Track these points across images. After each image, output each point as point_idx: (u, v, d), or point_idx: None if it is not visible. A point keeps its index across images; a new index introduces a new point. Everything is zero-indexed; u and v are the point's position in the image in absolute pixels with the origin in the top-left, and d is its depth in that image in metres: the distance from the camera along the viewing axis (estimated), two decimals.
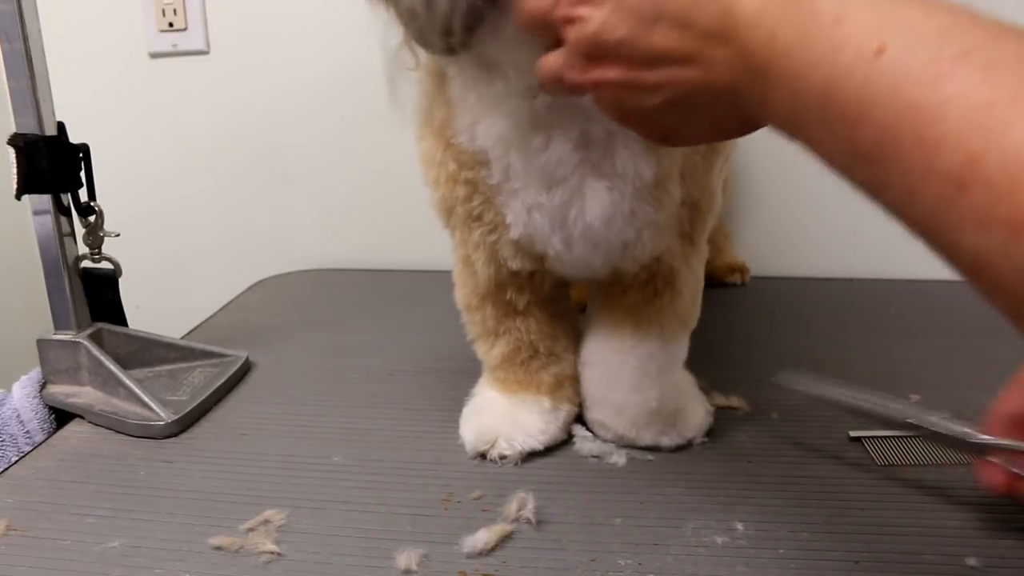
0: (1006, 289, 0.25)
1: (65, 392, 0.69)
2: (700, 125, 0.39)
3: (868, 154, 0.29)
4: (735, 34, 0.33)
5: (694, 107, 0.37)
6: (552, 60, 0.41)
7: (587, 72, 0.39)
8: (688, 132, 0.40)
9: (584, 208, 0.50)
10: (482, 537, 0.48)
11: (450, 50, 0.45)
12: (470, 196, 0.53)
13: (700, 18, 0.34)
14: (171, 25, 1.04)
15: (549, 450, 0.59)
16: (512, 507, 0.50)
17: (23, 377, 0.70)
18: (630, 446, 0.58)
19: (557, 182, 0.50)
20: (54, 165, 0.65)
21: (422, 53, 0.50)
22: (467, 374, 0.65)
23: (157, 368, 0.73)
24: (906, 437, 0.58)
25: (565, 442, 0.60)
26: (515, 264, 0.55)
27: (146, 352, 0.73)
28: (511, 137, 0.49)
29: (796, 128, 0.32)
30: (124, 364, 0.69)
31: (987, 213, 0.25)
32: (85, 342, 0.69)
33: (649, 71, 0.36)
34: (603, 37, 0.37)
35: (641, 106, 0.38)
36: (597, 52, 0.38)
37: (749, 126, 0.37)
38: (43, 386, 0.70)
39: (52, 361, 0.70)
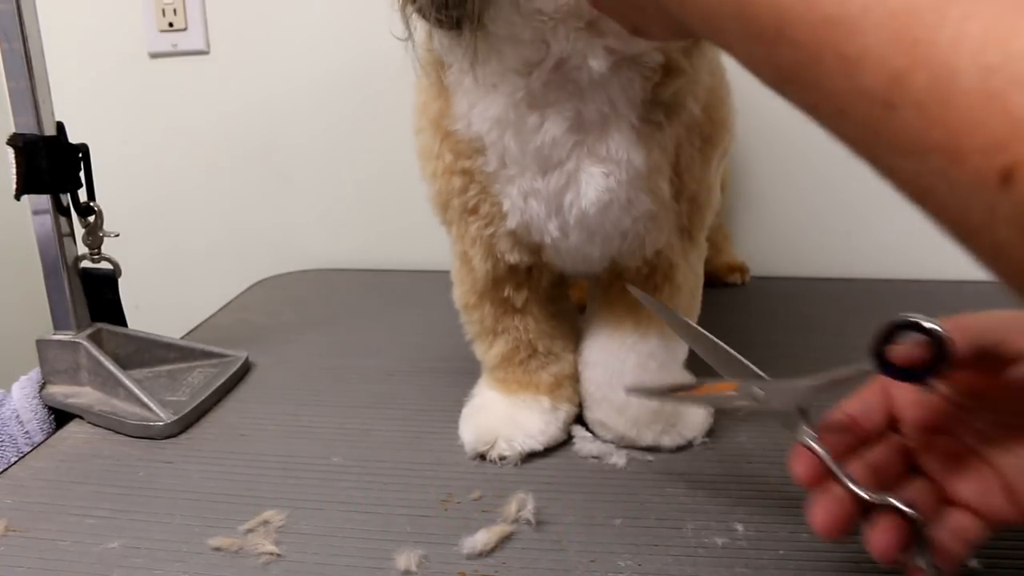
0: (951, 217, 0.23)
1: (64, 392, 0.69)
2: (653, 22, 0.37)
3: (791, 75, 0.26)
4: None
5: (636, 1, 0.35)
6: None
7: None
8: (646, 27, 0.38)
9: (579, 194, 0.50)
10: (482, 538, 0.47)
11: (457, 23, 0.44)
12: (466, 187, 0.53)
13: None
14: (171, 25, 1.04)
15: (549, 450, 0.59)
16: (512, 508, 0.50)
17: (22, 377, 0.70)
18: (630, 446, 0.58)
19: (552, 166, 0.50)
20: (53, 165, 0.65)
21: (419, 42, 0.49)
22: (467, 374, 0.65)
23: (157, 368, 0.73)
24: None
25: (565, 442, 0.60)
26: (512, 257, 0.55)
27: (146, 352, 0.73)
28: (507, 118, 0.49)
29: (721, 44, 0.29)
30: (124, 364, 0.69)
31: (920, 137, 0.22)
32: (84, 342, 0.68)
33: None
34: None
35: None
36: None
37: (684, 30, 0.33)
38: (42, 386, 0.69)
39: (51, 361, 0.70)
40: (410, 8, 0.45)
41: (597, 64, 0.46)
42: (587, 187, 0.50)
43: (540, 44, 0.46)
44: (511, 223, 0.53)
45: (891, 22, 0.22)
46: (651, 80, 0.48)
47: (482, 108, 0.50)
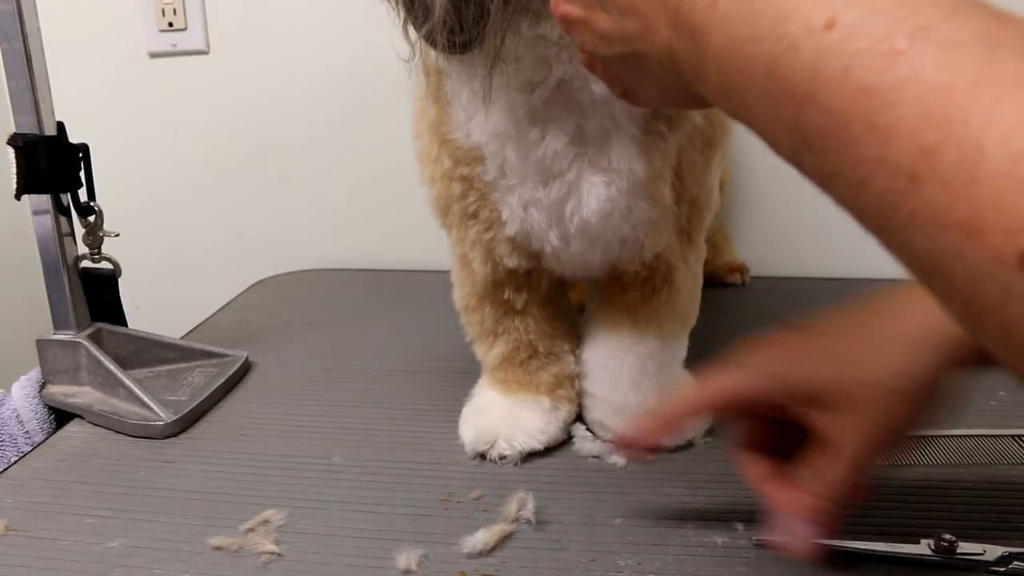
0: (961, 295, 0.23)
1: (64, 392, 0.69)
2: (650, 87, 0.37)
3: (815, 140, 0.26)
4: None
5: (641, 65, 0.35)
6: None
7: (558, 4, 0.38)
8: (641, 92, 0.38)
9: (580, 203, 0.50)
10: (482, 537, 0.48)
11: (463, 47, 0.44)
12: (465, 193, 0.53)
13: None
14: (171, 25, 1.04)
15: (549, 450, 0.59)
16: (512, 507, 0.50)
17: (22, 377, 0.70)
18: None
19: (553, 176, 0.50)
20: (53, 165, 0.65)
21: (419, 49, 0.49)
22: (467, 374, 0.65)
23: (157, 368, 0.73)
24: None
25: (565, 442, 0.60)
26: (511, 262, 0.55)
27: (146, 352, 0.73)
28: (507, 132, 0.49)
29: (737, 106, 0.30)
30: (124, 364, 0.69)
31: (942, 213, 0.22)
32: (85, 342, 0.68)
33: (603, 15, 0.35)
34: None
35: (600, 53, 0.37)
36: None
37: (696, 97, 0.33)
38: (42, 386, 0.69)
39: (52, 361, 0.70)
40: (412, 28, 0.45)
41: (599, 88, 0.46)
42: (588, 196, 0.50)
43: (543, 66, 0.46)
44: (510, 231, 0.53)
45: (925, 98, 0.23)
46: None
47: (481, 120, 0.50)
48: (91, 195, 0.69)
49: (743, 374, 0.44)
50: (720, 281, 0.94)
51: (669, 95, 0.37)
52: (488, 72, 0.45)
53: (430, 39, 0.44)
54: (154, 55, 1.07)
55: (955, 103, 0.22)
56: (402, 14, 0.44)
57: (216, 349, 0.75)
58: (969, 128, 0.22)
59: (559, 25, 0.39)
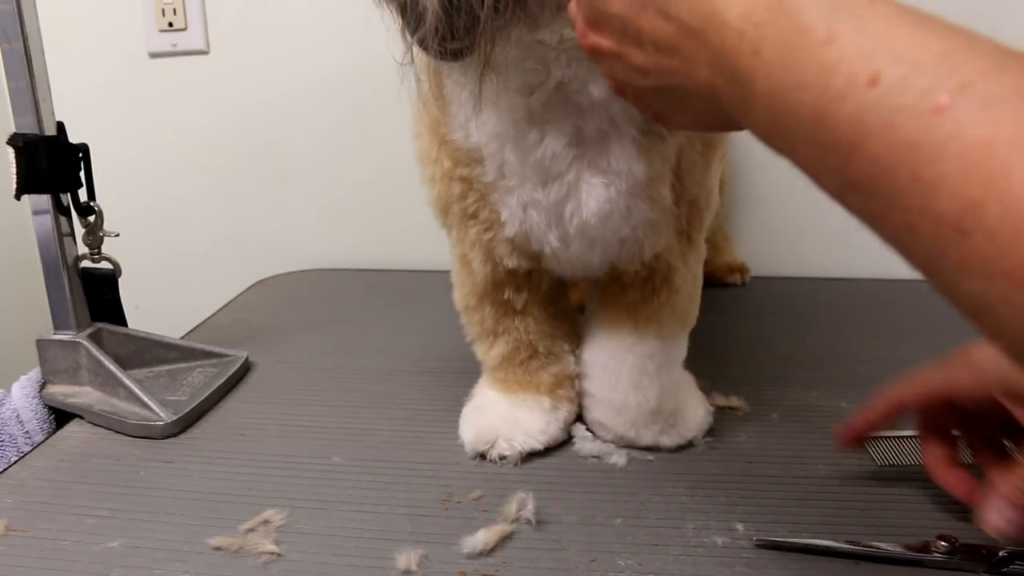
0: (1009, 335, 0.25)
1: (64, 392, 0.69)
2: (686, 115, 0.38)
3: (862, 186, 0.27)
4: (716, 38, 0.31)
5: (678, 97, 0.36)
6: (571, 7, 0.40)
7: (586, 35, 0.38)
8: (676, 119, 0.40)
9: (580, 204, 0.50)
10: (482, 537, 0.48)
11: (456, 54, 0.44)
12: (465, 193, 0.54)
13: (682, 11, 0.33)
14: (171, 25, 1.04)
15: (549, 450, 0.59)
16: (512, 507, 0.50)
17: (22, 377, 0.70)
18: (630, 446, 0.58)
19: (552, 178, 0.50)
20: (53, 165, 0.65)
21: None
22: (467, 374, 0.65)
23: (157, 368, 0.73)
24: (906, 437, 0.58)
25: (565, 442, 0.60)
26: (511, 262, 0.55)
27: (146, 352, 0.73)
28: (506, 133, 0.49)
29: (782, 145, 0.31)
30: (124, 364, 0.69)
31: (988, 263, 0.24)
32: (85, 342, 0.68)
33: (637, 51, 0.36)
34: (600, 5, 0.37)
35: (632, 83, 0.38)
36: (596, 18, 0.37)
37: (735, 125, 0.35)
38: (42, 386, 0.69)
39: (52, 361, 0.70)
40: (409, 36, 0.45)
41: (598, 91, 0.46)
42: (588, 197, 0.50)
43: (541, 69, 0.46)
44: (509, 231, 0.53)
45: (969, 154, 0.24)
46: None
47: (480, 121, 0.50)
48: (91, 195, 0.69)
49: (960, 370, 0.48)
50: (720, 281, 0.94)
51: (705, 122, 0.38)
52: (478, 79, 0.46)
53: (423, 45, 0.44)
54: (154, 55, 1.07)
55: (998, 159, 0.23)
56: (398, 19, 0.44)
57: (216, 349, 0.75)
58: (1012, 183, 0.23)
59: (588, 55, 0.40)
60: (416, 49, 0.45)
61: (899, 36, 0.27)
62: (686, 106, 0.37)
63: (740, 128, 0.35)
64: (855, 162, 0.27)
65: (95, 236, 0.70)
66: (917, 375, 0.50)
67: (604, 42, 0.38)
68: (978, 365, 0.47)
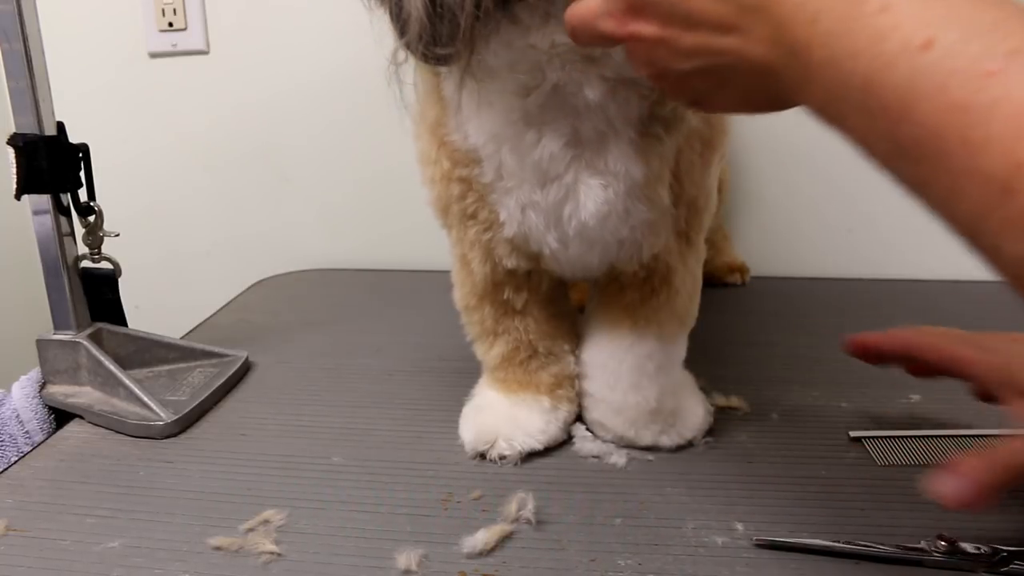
0: None
1: (65, 392, 0.69)
2: (731, 96, 0.38)
3: (910, 150, 0.28)
4: (777, 11, 0.32)
5: (727, 77, 0.36)
6: (586, 6, 0.39)
7: (625, 24, 0.38)
8: (718, 101, 0.39)
9: (578, 206, 0.50)
10: (482, 537, 0.48)
11: (441, 59, 0.44)
12: (464, 194, 0.54)
13: None
14: (171, 25, 1.04)
15: (549, 450, 0.59)
16: (512, 507, 0.50)
17: (23, 377, 0.70)
18: (630, 446, 0.58)
19: (551, 179, 0.50)
20: (53, 165, 0.65)
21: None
22: (467, 374, 0.65)
23: (157, 368, 0.73)
24: (906, 437, 0.58)
25: (565, 442, 0.60)
26: (510, 263, 0.55)
27: (146, 352, 0.73)
28: (503, 134, 0.49)
29: (834, 116, 0.32)
30: (124, 364, 0.69)
31: None
32: (85, 342, 0.68)
33: (686, 33, 0.36)
34: None
35: (674, 68, 0.37)
36: (638, 6, 0.37)
37: (780, 103, 0.36)
38: (43, 386, 0.69)
39: (52, 361, 0.70)
40: (398, 40, 0.45)
41: (593, 94, 0.46)
42: (586, 199, 0.50)
43: (536, 72, 0.46)
44: (508, 232, 0.53)
45: (1019, 117, 0.25)
46: (648, 98, 0.48)
47: (478, 123, 0.50)
48: (91, 195, 0.69)
49: (978, 348, 0.50)
50: (720, 281, 0.94)
51: (751, 102, 0.38)
52: (459, 85, 0.46)
53: (411, 49, 0.44)
54: (154, 55, 1.07)
55: None
56: (388, 23, 0.45)
57: (216, 349, 0.75)
58: None
59: (626, 46, 0.39)
60: (406, 52, 0.46)
61: (953, 4, 0.27)
62: (732, 87, 0.37)
63: (785, 107, 0.36)
64: (905, 126, 0.28)
65: (95, 236, 0.70)
66: (942, 330, 0.53)
67: (647, 28, 0.37)
68: (998, 348, 0.48)
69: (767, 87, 0.35)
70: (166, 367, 0.73)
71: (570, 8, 0.40)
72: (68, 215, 0.68)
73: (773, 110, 0.38)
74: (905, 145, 0.28)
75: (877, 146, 0.30)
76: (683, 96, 0.40)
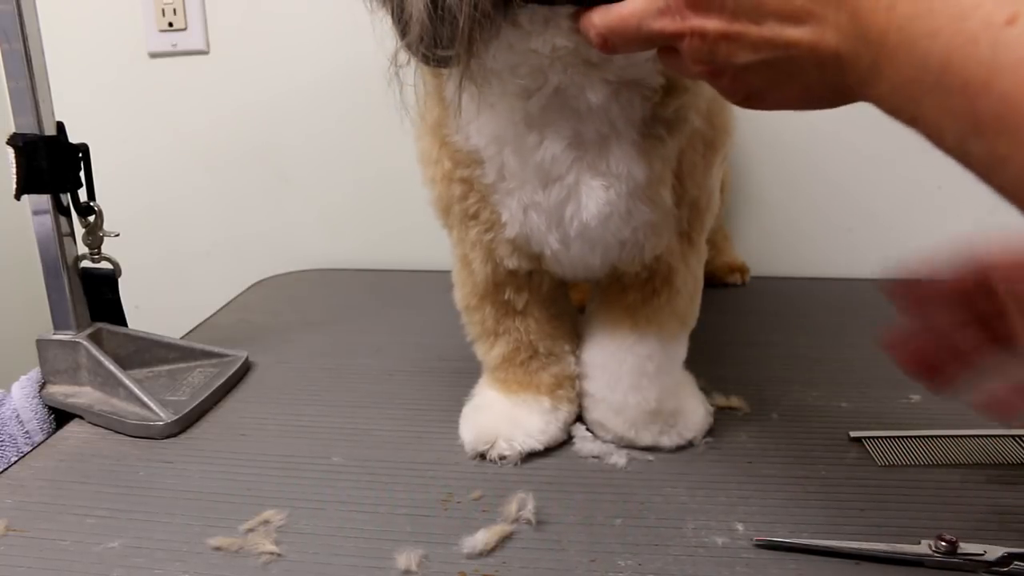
0: None
1: (64, 392, 0.69)
2: (789, 90, 0.37)
3: (988, 126, 0.28)
4: (854, 1, 0.32)
5: (790, 71, 0.36)
6: (628, 7, 0.38)
7: (686, 19, 0.36)
8: (774, 96, 0.38)
9: (580, 207, 0.50)
10: (482, 537, 0.48)
11: (442, 61, 0.44)
12: (466, 194, 0.54)
13: None
14: (171, 25, 1.04)
15: (549, 450, 0.59)
16: (512, 507, 0.50)
17: (22, 377, 0.70)
18: (630, 446, 0.58)
19: (553, 180, 0.50)
20: (53, 165, 0.65)
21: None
22: (467, 374, 0.65)
23: (157, 368, 0.73)
24: (906, 437, 0.58)
25: (565, 442, 0.60)
26: (511, 263, 0.55)
27: (146, 352, 0.73)
28: (505, 136, 0.49)
29: (905, 101, 0.31)
30: (124, 364, 0.69)
31: None
32: (85, 342, 0.68)
33: (754, 26, 0.35)
34: None
35: (733, 62, 0.36)
36: (701, 1, 0.36)
37: (840, 98, 0.35)
38: (42, 386, 0.69)
39: (51, 361, 0.70)
40: (399, 41, 0.45)
41: (595, 97, 0.46)
42: (588, 200, 0.50)
43: (538, 75, 0.46)
44: (509, 233, 0.53)
45: None
46: (651, 100, 0.48)
47: (480, 124, 0.50)
48: (91, 195, 0.69)
49: None
50: (720, 281, 0.94)
51: (810, 96, 0.37)
52: (458, 88, 0.46)
53: (412, 51, 0.44)
54: (154, 55, 1.07)
55: None
56: (390, 23, 0.45)
57: (216, 349, 0.75)
58: None
59: (684, 42, 0.37)
60: (407, 54, 0.46)
61: None
62: (794, 80, 0.36)
63: (845, 101, 0.35)
64: (984, 101, 0.28)
65: (95, 236, 0.70)
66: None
67: (710, 23, 0.36)
68: None
69: (830, 80, 0.34)
70: (166, 367, 0.73)
71: (597, 14, 0.39)
72: (68, 215, 0.68)
73: (831, 105, 0.37)
74: (984, 120, 0.28)
75: (952, 126, 0.30)
76: (737, 93, 0.39)
